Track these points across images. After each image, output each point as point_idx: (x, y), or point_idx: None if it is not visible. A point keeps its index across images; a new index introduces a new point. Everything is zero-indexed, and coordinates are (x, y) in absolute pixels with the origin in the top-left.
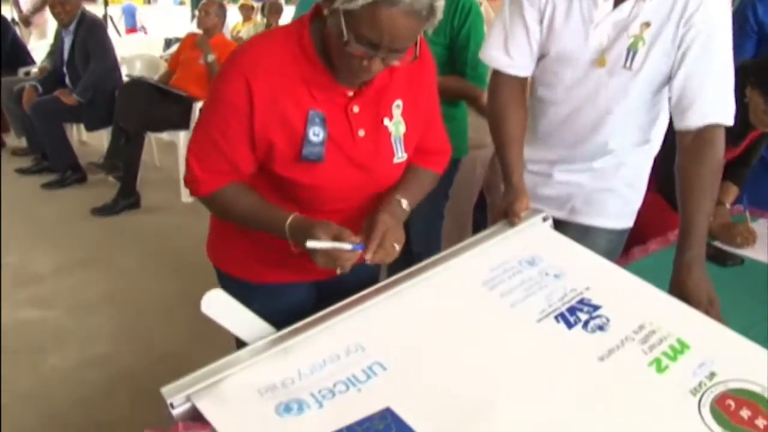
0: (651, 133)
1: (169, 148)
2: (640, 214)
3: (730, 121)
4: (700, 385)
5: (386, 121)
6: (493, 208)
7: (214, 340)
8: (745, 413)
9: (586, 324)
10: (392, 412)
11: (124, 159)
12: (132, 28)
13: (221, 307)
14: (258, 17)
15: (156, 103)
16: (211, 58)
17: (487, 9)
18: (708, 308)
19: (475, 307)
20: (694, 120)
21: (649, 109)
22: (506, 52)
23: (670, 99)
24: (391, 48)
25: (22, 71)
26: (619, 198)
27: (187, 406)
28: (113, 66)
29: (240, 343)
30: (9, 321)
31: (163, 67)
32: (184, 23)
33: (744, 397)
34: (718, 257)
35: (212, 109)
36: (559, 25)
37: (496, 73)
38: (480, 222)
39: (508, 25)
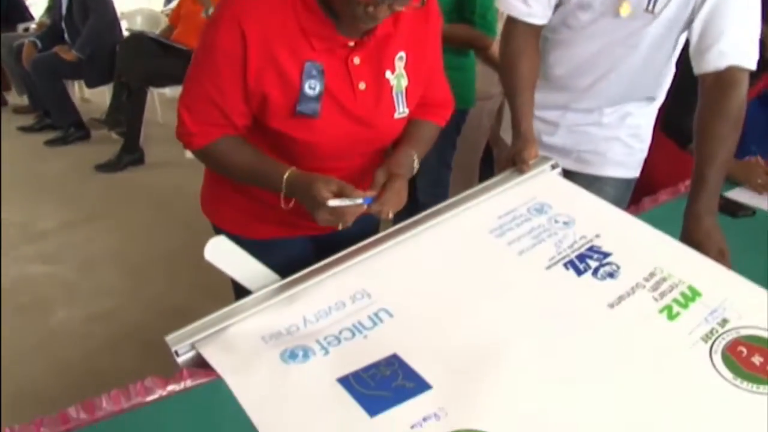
0: (659, 86)
1: (172, 105)
2: (650, 165)
3: (752, 65)
4: (711, 332)
5: (388, 74)
6: (500, 158)
7: (220, 294)
8: (757, 359)
9: (596, 271)
10: (399, 358)
11: (126, 115)
12: None
13: (224, 254)
14: None
15: (158, 58)
16: (212, 11)
17: None
18: (719, 259)
19: (482, 255)
20: (714, 62)
21: (663, 60)
22: (523, 0)
23: (690, 43)
24: None
25: (21, 27)
26: (625, 147)
27: (192, 354)
28: (113, 21)
29: (239, 295)
30: (17, 276)
31: (164, 21)
32: None
33: (756, 343)
34: (729, 208)
35: (204, 58)
36: None
37: (511, 21)
38: (486, 174)
39: None
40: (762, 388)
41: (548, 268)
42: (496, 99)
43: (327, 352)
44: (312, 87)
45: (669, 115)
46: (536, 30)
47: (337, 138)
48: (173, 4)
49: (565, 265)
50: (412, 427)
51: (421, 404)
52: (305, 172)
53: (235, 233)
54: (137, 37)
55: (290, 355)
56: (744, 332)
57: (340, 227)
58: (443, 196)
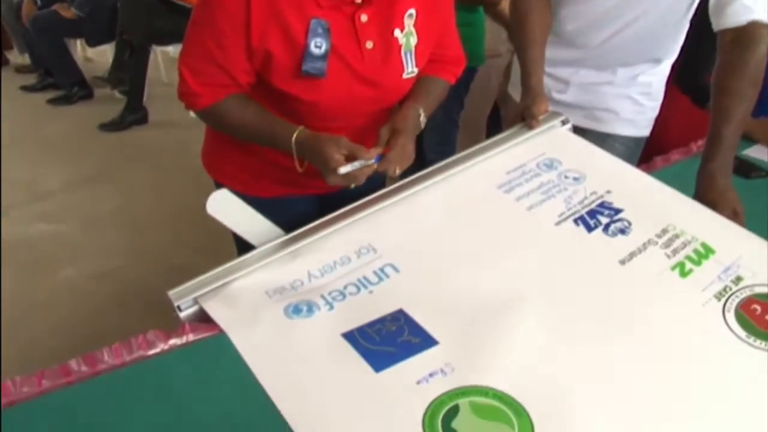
0: (673, 45)
1: (175, 64)
2: (662, 124)
3: None
4: (725, 289)
5: (397, 33)
6: (508, 115)
7: (224, 253)
8: None
9: (606, 227)
10: (405, 313)
11: (129, 74)
12: None
13: (227, 207)
14: None
15: (160, 15)
16: None
17: None
18: (733, 220)
19: (490, 210)
20: (735, 16)
21: (678, 18)
22: None
23: None
24: None
25: None
26: (636, 105)
27: (194, 309)
28: None
29: (242, 251)
30: (22, 235)
31: None
32: None
33: None
34: (742, 169)
35: (205, 15)
36: None
37: None
38: (493, 134)
39: None
40: None
41: (558, 224)
42: (504, 57)
43: (332, 308)
44: (318, 45)
45: (685, 70)
46: None
47: (343, 98)
48: None
49: (575, 221)
50: (418, 382)
51: (427, 360)
52: (314, 132)
53: (238, 190)
54: None
55: (294, 310)
56: (758, 290)
57: (351, 186)
58: (450, 155)
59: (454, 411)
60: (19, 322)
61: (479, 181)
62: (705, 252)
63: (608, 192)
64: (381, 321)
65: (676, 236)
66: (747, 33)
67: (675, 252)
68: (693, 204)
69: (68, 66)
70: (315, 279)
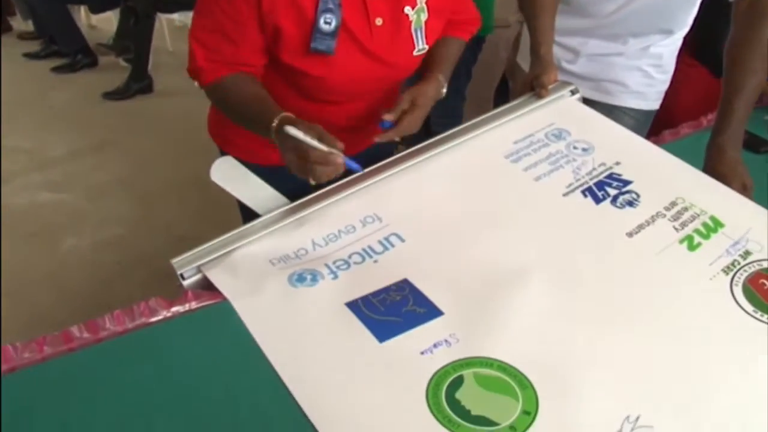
0: (686, 16)
1: (181, 33)
2: (673, 98)
3: None
4: (733, 263)
5: (407, 9)
6: (516, 85)
7: (228, 222)
8: None
9: (615, 199)
10: (410, 283)
11: (135, 42)
12: None
13: (231, 174)
14: None
15: None
16: None
17: None
18: (742, 193)
19: (497, 180)
20: None
21: None
22: None
23: None
24: None
25: None
26: (646, 77)
27: (198, 277)
28: None
29: (246, 220)
30: (25, 204)
31: None
32: None
33: None
34: (752, 143)
35: None
36: None
37: None
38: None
39: None
40: None
41: (565, 195)
42: (513, 28)
43: (336, 276)
44: (328, 21)
45: (704, 41)
46: None
47: (351, 74)
48: None
49: (584, 192)
50: (422, 353)
51: (432, 330)
52: (293, 116)
53: (243, 158)
54: None
55: (298, 279)
56: (767, 264)
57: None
58: (456, 126)
59: (458, 382)
60: (22, 292)
61: (486, 150)
62: (714, 225)
63: (617, 163)
64: (385, 291)
65: (685, 209)
66: (761, 4)
67: (683, 225)
68: (703, 177)
69: (72, 33)
70: (319, 248)
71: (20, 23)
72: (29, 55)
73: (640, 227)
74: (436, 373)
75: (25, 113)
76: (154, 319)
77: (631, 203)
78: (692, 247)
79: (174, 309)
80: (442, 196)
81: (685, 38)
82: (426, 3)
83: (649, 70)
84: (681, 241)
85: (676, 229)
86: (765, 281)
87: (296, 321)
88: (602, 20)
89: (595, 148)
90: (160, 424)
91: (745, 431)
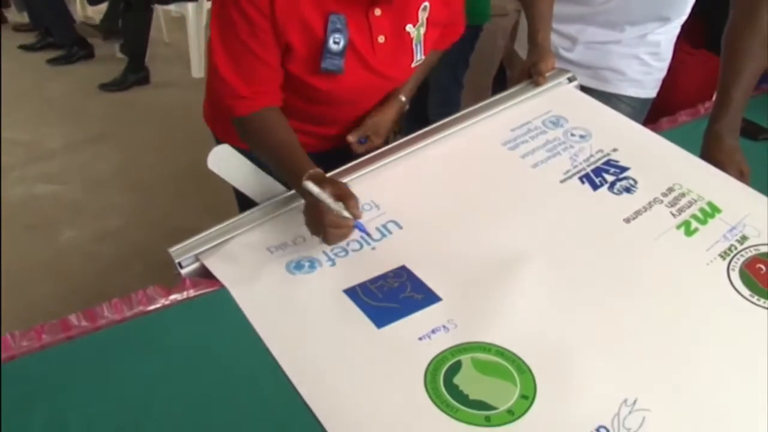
0: (683, 4)
1: (177, 24)
2: (669, 85)
3: None
4: (730, 248)
5: (409, 27)
6: (514, 73)
7: (227, 213)
8: None
9: (612, 185)
10: (407, 269)
11: (131, 33)
12: None
13: (228, 163)
14: None
15: None
16: None
17: None
18: (739, 180)
19: (495, 167)
20: None
21: None
22: None
23: None
24: None
25: None
26: (643, 65)
27: (196, 266)
28: None
29: (243, 209)
30: (23, 196)
31: None
32: None
33: None
34: (750, 131)
35: (233, 14)
36: None
37: None
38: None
39: None
40: None
41: (563, 181)
42: (511, 16)
43: (334, 263)
44: (336, 41)
45: (710, 26)
46: None
47: (355, 87)
48: None
49: (581, 178)
50: (420, 338)
51: (429, 316)
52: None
53: (239, 147)
54: None
55: (296, 266)
56: (763, 249)
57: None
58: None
59: (456, 367)
60: (21, 284)
61: (484, 138)
62: (711, 211)
63: (614, 150)
64: (383, 277)
65: (682, 195)
66: None
67: (681, 211)
68: (700, 163)
69: (67, 24)
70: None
71: (15, 15)
72: (25, 47)
73: (638, 213)
74: (434, 359)
75: (22, 105)
76: (152, 307)
77: (628, 189)
78: (689, 232)
79: (172, 297)
80: (440, 183)
81: (683, 26)
82: (426, 19)
83: (646, 58)
84: (678, 227)
85: (673, 214)
86: (762, 266)
87: (294, 308)
88: (600, 7)
89: (592, 135)
90: (158, 412)
91: (741, 413)
